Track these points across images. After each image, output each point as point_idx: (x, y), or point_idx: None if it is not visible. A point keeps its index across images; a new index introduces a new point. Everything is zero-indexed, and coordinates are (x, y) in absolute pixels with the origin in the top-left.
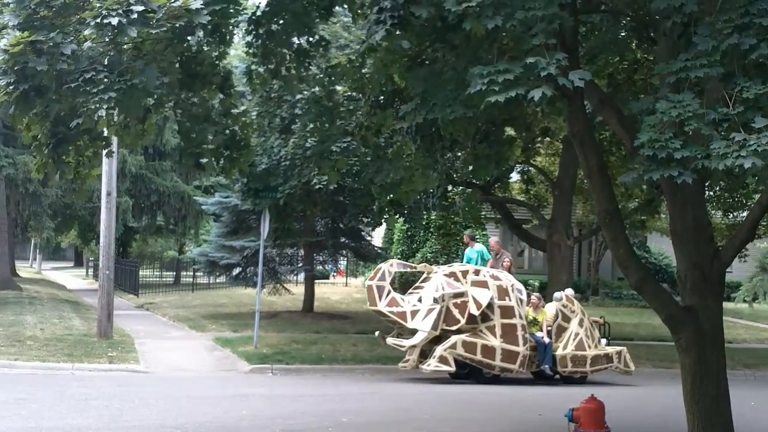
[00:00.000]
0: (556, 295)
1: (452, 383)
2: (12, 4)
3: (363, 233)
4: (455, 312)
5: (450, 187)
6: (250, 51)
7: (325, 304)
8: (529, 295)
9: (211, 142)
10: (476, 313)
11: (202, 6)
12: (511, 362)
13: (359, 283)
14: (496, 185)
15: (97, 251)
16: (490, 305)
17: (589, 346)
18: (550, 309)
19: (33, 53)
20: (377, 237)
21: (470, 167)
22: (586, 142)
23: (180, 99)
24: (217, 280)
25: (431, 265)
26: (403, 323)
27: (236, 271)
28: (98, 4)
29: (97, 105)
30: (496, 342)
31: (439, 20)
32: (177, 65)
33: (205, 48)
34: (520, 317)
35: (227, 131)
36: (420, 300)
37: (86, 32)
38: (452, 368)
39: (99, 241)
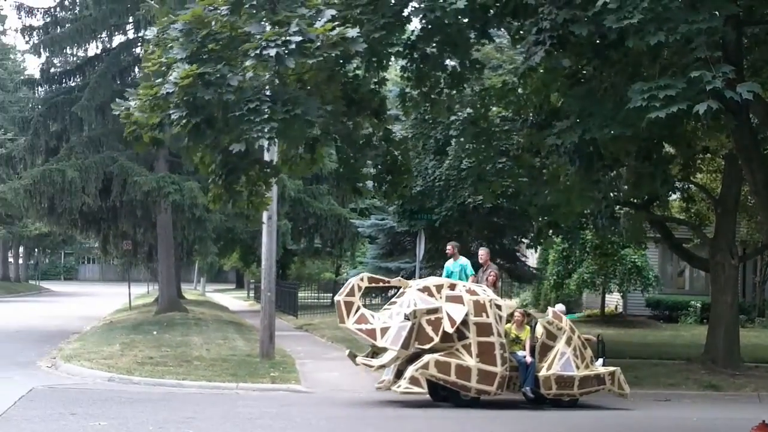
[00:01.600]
0: (548, 310)
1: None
2: (181, 39)
3: (518, 254)
4: (428, 329)
5: (617, 207)
6: (405, 75)
7: None
8: (511, 312)
9: (371, 168)
10: (450, 330)
11: (359, 34)
12: (488, 384)
13: (514, 304)
14: (654, 204)
15: (257, 273)
16: (465, 322)
17: (578, 367)
18: (540, 328)
19: (201, 85)
20: (532, 258)
21: (628, 186)
22: (752, 158)
23: (341, 126)
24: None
25: (583, 285)
26: (373, 341)
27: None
28: (258, 36)
29: (260, 134)
30: (471, 362)
31: (598, 38)
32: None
33: (362, 74)
34: (499, 335)
35: (388, 157)
36: (391, 317)
37: (247, 63)
38: (424, 390)
39: (259, 264)
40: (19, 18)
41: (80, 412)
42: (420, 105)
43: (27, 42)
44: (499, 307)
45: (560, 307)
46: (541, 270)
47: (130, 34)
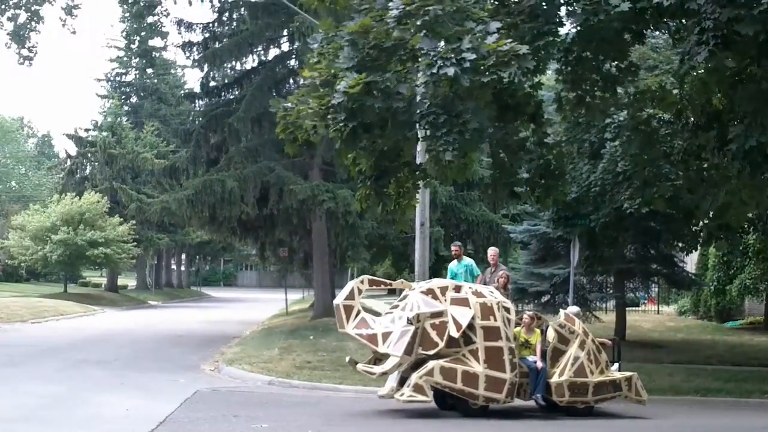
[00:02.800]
0: (560, 313)
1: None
2: (347, 48)
3: (675, 259)
4: (433, 334)
5: None
6: (560, 78)
7: (636, 333)
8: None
9: (525, 172)
10: (456, 334)
11: (528, 51)
12: (496, 391)
13: (671, 310)
14: None
15: (409, 279)
16: (471, 326)
17: (592, 372)
18: (552, 332)
19: (368, 93)
20: (690, 263)
21: None
22: None
23: (496, 131)
24: (524, 308)
25: (745, 291)
26: (374, 347)
27: (545, 298)
28: (431, 53)
29: (444, 148)
30: (479, 368)
31: (765, 36)
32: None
33: (518, 80)
34: (508, 339)
35: (542, 161)
36: (393, 321)
37: (421, 80)
38: (428, 398)
39: (412, 270)
40: (179, 33)
41: (243, 414)
42: (576, 108)
43: (187, 57)
44: (507, 309)
45: (573, 309)
46: (700, 276)
47: (285, 47)
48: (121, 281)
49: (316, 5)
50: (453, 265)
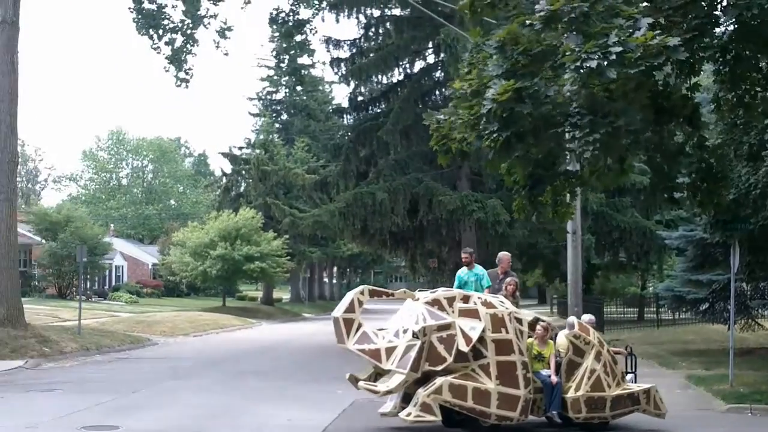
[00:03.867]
0: (570, 320)
1: None
2: (495, 56)
3: None
4: (440, 348)
5: None
6: (718, 78)
7: None
8: (532, 326)
9: (685, 176)
10: (465, 349)
11: (680, 43)
12: (510, 409)
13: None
14: None
15: (560, 288)
16: (482, 339)
17: (609, 386)
18: (562, 340)
19: (517, 100)
20: None
21: None
22: None
23: (652, 136)
24: (681, 316)
25: None
26: (378, 363)
27: (704, 306)
28: (577, 49)
29: (584, 147)
30: (490, 384)
31: None
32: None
33: (673, 81)
34: (521, 353)
35: (703, 164)
36: (397, 335)
37: (565, 76)
38: (437, 418)
39: (563, 279)
40: (328, 51)
41: (402, 424)
42: (734, 109)
43: (336, 73)
44: (519, 321)
45: (587, 317)
46: None
47: (430, 59)
48: (275, 294)
49: (470, 16)
50: (462, 272)
